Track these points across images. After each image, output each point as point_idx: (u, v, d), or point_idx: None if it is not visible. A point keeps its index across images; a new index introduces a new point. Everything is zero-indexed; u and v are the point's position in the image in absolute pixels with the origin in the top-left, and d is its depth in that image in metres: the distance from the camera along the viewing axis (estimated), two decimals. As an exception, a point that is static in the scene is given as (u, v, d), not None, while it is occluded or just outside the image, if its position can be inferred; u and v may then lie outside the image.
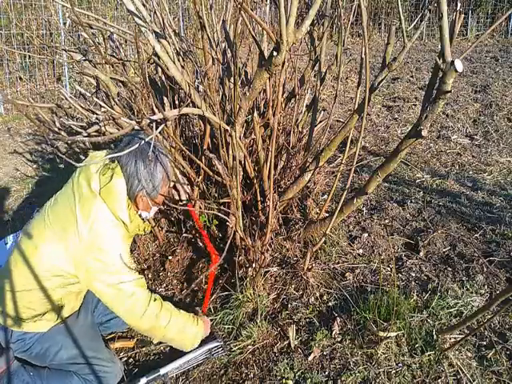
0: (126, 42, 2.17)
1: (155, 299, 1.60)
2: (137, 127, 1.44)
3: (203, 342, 1.83)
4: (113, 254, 1.46)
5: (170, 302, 2.06)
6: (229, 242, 1.89)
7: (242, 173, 2.18)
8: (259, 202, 2.19)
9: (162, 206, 1.74)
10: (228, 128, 1.84)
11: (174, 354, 1.83)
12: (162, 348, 1.89)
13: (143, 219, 1.69)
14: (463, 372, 1.58)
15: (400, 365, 1.63)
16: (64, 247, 1.45)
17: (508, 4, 9.12)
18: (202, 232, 2.00)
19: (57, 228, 1.47)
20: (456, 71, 1.34)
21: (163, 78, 2.24)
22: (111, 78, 2.02)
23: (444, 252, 2.27)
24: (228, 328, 1.91)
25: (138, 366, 1.81)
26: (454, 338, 1.70)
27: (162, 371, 1.68)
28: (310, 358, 1.70)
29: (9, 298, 1.52)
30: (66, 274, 1.48)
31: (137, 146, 1.42)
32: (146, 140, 1.41)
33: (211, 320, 1.98)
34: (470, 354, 1.66)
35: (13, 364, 1.58)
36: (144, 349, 1.88)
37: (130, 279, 1.50)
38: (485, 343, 1.71)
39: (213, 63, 2.09)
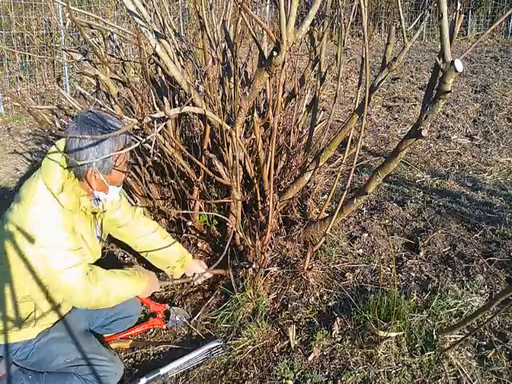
0: (125, 41, 2.17)
1: (96, 279, 1.55)
2: (137, 126, 1.44)
3: (203, 342, 1.83)
4: (46, 228, 1.40)
5: (168, 303, 2.08)
6: (229, 242, 1.89)
7: (241, 173, 2.18)
8: (259, 202, 2.19)
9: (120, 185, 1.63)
10: (228, 128, 1.84)
11: (174, 353, 1.83)
12: (161, 348, 1.89)
13: (98, 200, 1.61)
14: (463, 372, 1.58)
15: (400, 365, 1.63)
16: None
17: (508, 4, 9.12)
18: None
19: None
20: (456, 71, 1.34)
21: (163, 77, 2.24)
22: (111, 77, 2.02)
23: (444, 252, 2.27)
24: (228, 328, 1.91)
25: (137, 366, 1.81)
26: (454, 338, 1.70)
27: (162, 371, 1.68)
28: (310, 358, 1.70)
29: None
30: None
31: (81, 118, 1.38)
32: (125, 128, 1.34)
33: (211, 320, 1.98)
34: (469, 354, 1.66)
35: (11, 368, 1.57)
36: (143, 349, 1.89)
37: (65, 263, 1.44)
38: (485, 343, 1.71)
39: (213, 63, 2.09)
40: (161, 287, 2.08)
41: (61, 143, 1.51)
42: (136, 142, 1.42)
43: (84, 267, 1.52)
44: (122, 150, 1.47)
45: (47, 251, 1.42)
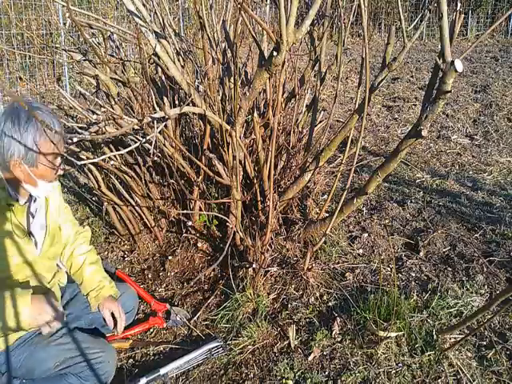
0: (125, 41, 2.17)
1: None
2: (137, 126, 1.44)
3: (203, 342, 1.83)
4: None
5: (168, 303, 2.08)
6: (229, 242, 1.89)
7: (241, 173, 2.18)
8: (259, 202, 2.19)
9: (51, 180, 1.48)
10: (228, 128, 1.84)
11: (174, 353, 1.83)
12: (161, 348, 1.89)
13: (29, 194, 1.49)
14: (463, 372, 1.58)
15: (400, 365, 1.63)
16: None
17: (508, 4, 9.12)
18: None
19: None
20: (456, 71, 1.34)
21: (163, 77, 2.24)
22: (111, 77, 2.02)
23: (444, 252, 2.27)
24: (228, 328, 1.91)
25: (137, 366, 1.81)
26: (454, 338, 1.70)
27: (162, 371, 1.68)
28: (310, 358, 1.70)
29: None
30: None
31: (10, 106, 1.30)
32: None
33: (211, 320, 1.98)
34: (470, 354, 1.66)
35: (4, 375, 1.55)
36: (143, 349, 1.88)
37: None
38: (485, 343, 1.71)
39: (213, 63, 2.09)
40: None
41: None
42: (136, 142, 1.41)
43: None
44: (52, 143, 1.37)
45: None
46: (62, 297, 1.77)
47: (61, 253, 1.78)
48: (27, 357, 1.53)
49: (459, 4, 1.52)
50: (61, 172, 1.50)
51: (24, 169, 1.39)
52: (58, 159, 1.47)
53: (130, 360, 1.84)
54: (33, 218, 1.57)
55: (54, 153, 1.42)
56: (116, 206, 2.38)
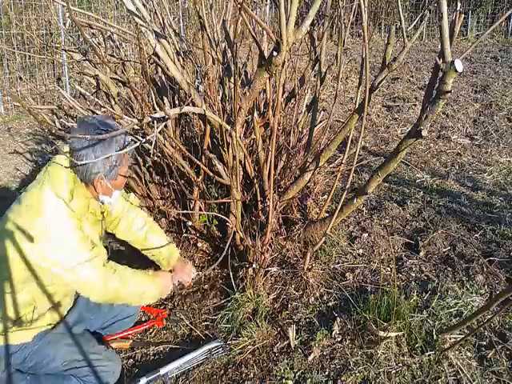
0: (125, 41, 2.18)
1: (114, 270, 1.58)
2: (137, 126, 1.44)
3: (204, 342, 1.83)
4: (57, 230, 1.42)
5: (164, 301, 2.08)
6: (229, 242, 1.89)
7: (241, 173, 2.18)
8: (259, 202, 2.19)
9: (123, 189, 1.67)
10: (228, 128, 1.84)
11: (174, 354, 1.83)
12: (161, 348, 1.88)
13: (101, 203, 1.63)
14: (463, 372, 1.58)
15: (400, 365, 1.63)
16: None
17: (508, 4, 9.12)
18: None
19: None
20: (456, 71, 1.34)
21: (163, 77, 2.24)
22: (111, 77, 2.02)
23: (444, 252, 2.27)
24: (228, 328, 1.91)
25: (137, 366, 1.81)
26: (454, 338, 1.70)
27: (162, 371, 1.68)
28: (310, 358, 1.70)
29: None
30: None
31: (88, 127, 1.37)
32: (123, 130, 1.35)
33: (211, 320, 1.98)
34: (469, 354, 1.66)
35: (8, 368, 1.57)
36: (143, 349, 1.88)
37: (82, 259, 1.46)
38: (485, 343, 1.71)
39: (213, 63, 2.09)
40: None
41: (65, 149, 1.51)
42: (136, 142, 1.42)
43: (100, 259, 1.55)
44: (125, 155, 1.51)
45: (62, 256, 1.44)
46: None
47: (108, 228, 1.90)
48: (37, 352, 1.57)
49: (459, 4, 1.51)
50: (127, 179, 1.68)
51: (104, 183, 1.51)
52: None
53: (130, 360, 1.84)
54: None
55: (128, 165, 1.56)
56: (116, 206, 2.37)
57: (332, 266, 2.18)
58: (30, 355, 1.57)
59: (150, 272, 1.80)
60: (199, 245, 2.39)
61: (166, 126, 1.94)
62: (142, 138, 1.89)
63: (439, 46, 1.38)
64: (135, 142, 1.43)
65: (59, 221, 1.43)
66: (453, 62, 1.34)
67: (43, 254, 1.42)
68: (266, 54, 1.64)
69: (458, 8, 1.44)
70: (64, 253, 1.45)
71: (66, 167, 1.47)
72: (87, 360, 1.60)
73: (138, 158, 2.27)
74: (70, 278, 1.49)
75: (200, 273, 2.13)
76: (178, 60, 1.96)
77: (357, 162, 1.86)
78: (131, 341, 1.89)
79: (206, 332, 1.93)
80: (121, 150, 1.47)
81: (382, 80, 1.72)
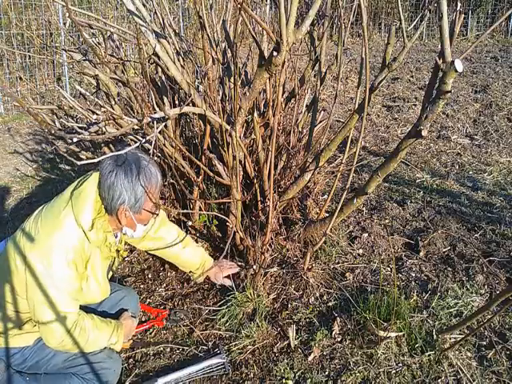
0: (125, 41, 2.17)
1: (80, 328, 1.52)
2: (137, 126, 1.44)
3: (206, 356, 1.79)
4: (56, 264, 1.41)
5: (167, 302, 2.08)
6: (229, 242, 1.89)
7: (241, 173, 2.18)
8: (259, 202, 2.19)
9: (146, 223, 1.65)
10: (228, 128, 1.84)
11: (174, 354, 1.83)
12: (161, 348, 1.88)
13: (124, 236, 1.64)
14: (463, 372, 1.58)
15: (400, 365, 1.63)
16: None
17: (508, 4, 9.12)
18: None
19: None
20: (456, 71, 1.34)
21: (163, 77, 2.24)
22: (111, 77, 2.02)
23: (444, 252, 2.27)
24: (228, 328, 1.91)
25: (137, 366, 1.80)
26: (454, 338, 1.70)
27: (160, 381, 1.66)
28: (310, 358, 1.70)
29: None
30: None
31: (119, 155, 1.37)
32: (134, 146, 1.37)
33: (211, 320, 1.98)
34: (469, 354, 1.66)
35: (8, 371, 1.57)
36: (143, 349, 1.88)
37: (60, 302, 1.43)
38: (485, 343, 1.71)
39: (213, 63, 2.09)
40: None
41: (95, 176, 1.51)
42: (136, 142, 1.42)
43: (75, 315, 1.51)
44: (153, 192, 1.52)
45: (50, 284, 1.42)
46: None
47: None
48: (38, 349, 1.57)
49: (459, 4, 1.51)
50: (155, 216, 1.64)
51: (129, 215, 1.50)
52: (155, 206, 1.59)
53: (130, 360, 1.84)
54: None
55: (155, 202, 1.55)
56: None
57: (332, 266, 2.18)
58: (31, 354, 1.57)
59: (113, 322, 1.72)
60: (199, 245, 2.39)
61: (165, 126, 1.94)
62: (142, 137, 1.89)
63: (439, 46, 1.38)
64: (135, 142, 1.43)
65: (63, 250, 1.42)
66: (453, 62, 1.34)
67: (31, 264, 1.41)
68: (266, 54, 1.64)
69: (458, 8, 1.44)
70: (51, 282, 1.42)
71: (92, 196, 1.47)
72: (88, 358, 1.60)
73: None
74: (35, 315, 1.46)
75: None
76: (178, 60, 1.96)
77: (357, 162, 1.86)
78: (131, 341, 1.89)
79: (206, 333, 1.92)
80: (152, 189, 1.49)
81: (382, 80, 1.72)
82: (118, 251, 1.67)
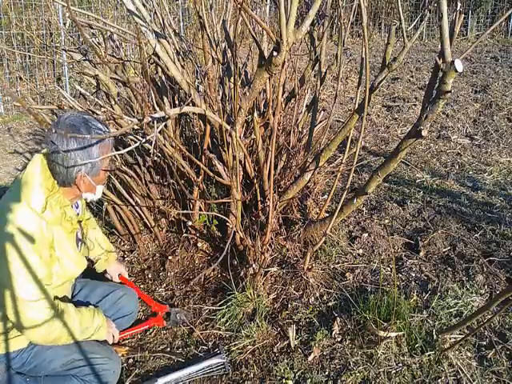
0: (125, 41, 2.18)
1: (60, 311, 1.46)
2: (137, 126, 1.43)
3: (206, 356, 1.78)
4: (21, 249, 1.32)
5: (167, 302, 2.08)
6: (229, 242, 1.89)
7: (241, 173, 2.18)
8: (259, 202, 2.19)
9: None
10: (228, 128, 1.84)
11: (173, 354, 1.83)
12: (161, 348, 1.88)
13: (76, 207, 1.58)
14: (463, 372, 1.58)
15: (400, 365, 1.63)
16: None
17: (508, 4, 9.13)
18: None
19: None
20: (456, 71, 1.34)
21: (163, 77, 2.24)
22: (111, 77, 2.02)
23: (444, 252, 2.27)
24: (228, 328, 1.91)
25: (137, 367, 1.80)
26: (454, 338, 1.70)
27: (160, 381, 1.66)
28: (310, 358, 1.70)
29: None
30: None
31: (63, 122, 1.31)
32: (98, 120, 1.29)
33: (211, 320, 1.98)
34: (469, 354, 1.66)
35: (9, 371, 1.56)
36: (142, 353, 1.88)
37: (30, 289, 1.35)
38: (485, 343, 1.71)
39: (213, 63, 2.09)
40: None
41: (40, 155, 1.44)
42: (136, 142, 1.41)
43: (49, 300, 1.44)
44: (107, 149, 1.43)
45: (17, 274, 1.35)
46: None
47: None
48: (36, 353, 1.55)
49: (459, 4, 1.51)
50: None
51: (87, 180, 1.43)
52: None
53: (130, 360, 1.84)
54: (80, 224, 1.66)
55: (110, 158, 1.49)
56: (116, 206, 2.37)
57: (332, 266, 2.18)
58: (29, 358, 1.55)
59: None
60: (199, 245, 2.39)
61: (165, 126, 1.94)
62: (142, 137, 1.89)
63: (439, 46, 1.38)
64: (135, 142, 1.42)
65: (25, 236, 1.34)
66: (453, 62, 1.34)
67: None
68: (266, 54, 1.64)
69: (458, 8, 1.44)
70: (18, 272, 1.34)
71: (38, 177, 1.39)
72: (87, 359, 1.59)
73: (138, 157, 2.27)
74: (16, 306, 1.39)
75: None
76: (178, 60, 1.96)
77: (357, 162, 1.86)
78: (127, 347, 1.87)
79: (207, 333, 1.92)
80: (106, 148, 1.42)
81: (382, 80, 1.72)
82: (80, 222, 1.61)
